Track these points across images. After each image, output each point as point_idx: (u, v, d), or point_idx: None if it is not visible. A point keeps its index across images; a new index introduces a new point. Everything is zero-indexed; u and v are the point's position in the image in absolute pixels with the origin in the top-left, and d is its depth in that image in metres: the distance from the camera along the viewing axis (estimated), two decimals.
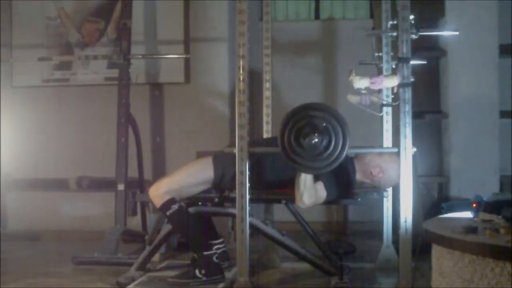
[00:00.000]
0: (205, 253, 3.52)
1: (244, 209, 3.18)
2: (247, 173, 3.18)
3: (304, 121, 3.15)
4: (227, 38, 5.28)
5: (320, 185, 3.38)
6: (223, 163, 3.50)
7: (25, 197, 5.40)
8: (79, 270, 4.05)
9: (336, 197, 3.48)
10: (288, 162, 3.19)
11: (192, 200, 3.60)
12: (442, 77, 5.30)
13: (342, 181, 3.47)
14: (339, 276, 3.43)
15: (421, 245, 2.81)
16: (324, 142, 3.13)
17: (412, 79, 3.13)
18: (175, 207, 3.50)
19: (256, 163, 3.44)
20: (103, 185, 5.08)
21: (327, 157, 3.14)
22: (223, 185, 3.56)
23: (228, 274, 3.61)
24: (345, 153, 3.15)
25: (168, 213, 3.51)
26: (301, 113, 3.18)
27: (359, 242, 4.66)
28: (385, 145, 3.95)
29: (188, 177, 3.59)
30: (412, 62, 3.17)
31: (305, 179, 3.31)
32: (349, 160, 3.56)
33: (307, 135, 3.12)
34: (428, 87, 5.25)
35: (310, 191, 3.33)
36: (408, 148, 3.10)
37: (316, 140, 3.11)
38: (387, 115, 3.92)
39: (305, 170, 3.25)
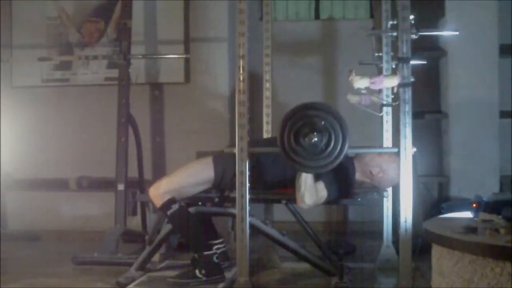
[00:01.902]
0: (205, 253, 3.52)
1: (244, 209, 3.18)
2: (247, 173, 3.18)
3: (303, 121, 3.14)
4: (227, 38, 5.28)
5: (321, 185, 3.38)
6: (224, 163, 3.50)
7: (25, 197, 5.40)
8: (79, 270, 4.05)
9: (337, 196, 3.48)
10: (288, 162, 3.19)
11: (192, 200, 3.60)
12: (442, 77, 5.30)
13: (342, 181, 3.47)
14: (339, 276, 3.44)
15: (421, 245, 2.81)
16: (324, 141, 3.12)
17: (412, 79, 3.12)
18: (175, 206, 3.50)
19: (256, 163, 3.44)
20: (103, 185, 5.08)
21: (327, 156, 3.14)
22: (223, 185, 3.56)
23: (228, 274, 3.61)
24: (345, 151, 3.14)
25: (168, 212, 3.51)
26: (300, 112, 3.17)
27: (359, 242, 4.66)
28: (385, 145, 3.95)
29: (189, 177, 3.59)
30: (412, 62, 3.17)
31: (306, 179, 3.31)
32: (349, 160, 3.56)
33: (307, 134, 3.12)
34: (428, 87, 5.25)
35: (311, 191, 3.33)
36: (408, 148, 3.10)
37: (316, 139, 3.10)
38: (387, 115, 3.92)
39: (305, 170, 3.25)
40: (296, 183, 3.34)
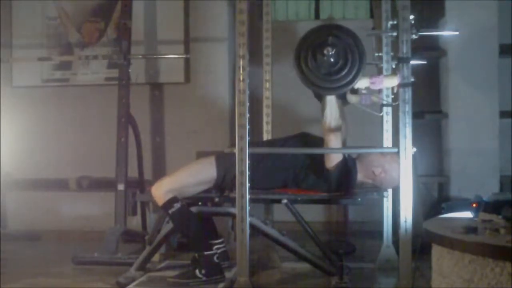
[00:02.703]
0: (205, 253, 3.52)
1: (244, 209, 3.18)
2: (247, 173, 3.18)
3: (324, 38, 3.15)
4: (227, 38, 5.28)
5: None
6: (226, 163, 3.50)
7: (25, 197, 5.40)
8: (79, 270, 4.05)
9: (341, 180, 3.48)
10: (301, 78, 3.19)
11: (192, 200, 3.60)
12: (442, 77, 5.30)
13: (345, 180, 3.48)
14: (339, 276, 3.44)
15: (421, 245, 2.81)
16: (341, 62, 3.13)
17: (412, 79, 3.12)
18: (177, 205, 3.50)
19: (256, 163, 3.44)
20: (103, 185, 5.08)
21: (343, 78, 3.14)
22: (224, 185, 3.56)
23: (228, 274, 3.61)
24: (357, 79, 3.14)
25: (170, 211, 3.51)
26: (323, 31, 3.19)
27: (359, 242, 4.65)
28: (385, 145, 3.95)
29: (190, 176, 3.59)
30: (412, 62, 3.17)
31: (331, 100, 3.32)
32: (352, 160, 3.57)
33: (325, 51, 3.11)
34: (428, 87, 5.25)
35: (336, 114, 3.34)
36: (408, 148, 3.10)
37: (332, 59, 3.10)
38: (387, 115, 3.92)
39: (316, 89, 3.25)
40: (321, 111, 3.35)
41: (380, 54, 4.06)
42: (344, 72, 3.14)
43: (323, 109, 3.36)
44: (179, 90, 5.36)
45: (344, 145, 3.55)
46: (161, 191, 3.54)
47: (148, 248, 3.78)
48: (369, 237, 4.82)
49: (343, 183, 3.49)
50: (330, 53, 3.09)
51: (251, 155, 3.21)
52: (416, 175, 4.23)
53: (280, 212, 3.81)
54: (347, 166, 3.49)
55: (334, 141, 3.36)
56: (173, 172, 3.70)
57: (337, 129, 3.36)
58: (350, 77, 3.14)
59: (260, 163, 3.50)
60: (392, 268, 3.80)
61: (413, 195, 3.12)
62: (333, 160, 3.41)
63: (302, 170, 3.53)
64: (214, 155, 3.61)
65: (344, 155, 3.47)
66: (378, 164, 3.55)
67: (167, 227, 3.69)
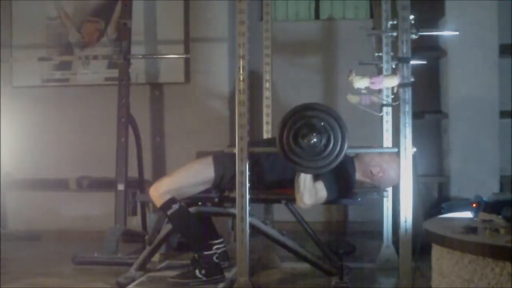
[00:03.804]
0: (205, 253, 3.52)
1: (244, 209, 3.18)
2: (247, 173, 3.18)
3: (302, 121, 3.14)
4: (227, 38, 5.28)
5: (320, 185, 3.38)
6: (224, 163, 3.50)
7: (25, 197, 5.40)
8: (79, 270, 4.05)
9: (337, 196, 3.48)
10: (287, 162, 3.18)
11: (192, 200, 3.60)
12: (442, 77, 5.30)
13: (342, 181, 3.47)
14: (339, 276, 3.44)
15: (421, 245, 2.81)
16: (323, 142, 3.12)
17: (412, 79, 3.12)
18: (175, 206, 3.50)
19: (256, 163, 3.44)
20: (103, 185, 5.08)
21: (326, 157, 3.14)
22: (223, 185, 3.56)
23: (228, 274, 3.61)
24: (344, 152, 3.14)
25: (168, 212, 3.51)
26: (299, 113, 3.17)
27: (359, 242, 4.66)
28: (385, 145, 3.95)
29: (189, 177, 3.59)
30: (412, 62, 3.17)
31: (305, 179, 3.31)
32: (349, 160, 3.56)
33: (306, 135, 3.11)
34: (428, 87, 5.25)
35: (310, 192, 3.33)
36: (408, 148, 3.10)
37: (315, 139, 3.10)
38: (387, 115, 3.92)
39: (304, 170, 3.24)
40: (295, 184, 3.34)
41: (380, 54, 4.06)
42: (328, 150, 3.13)
43: (296, 181, 3.33)
44: (179, 90, 5.36)
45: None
46: (159, 192, 3.53)
47: (148, 248, 3.78)
48: (369, 237, 4.82)
49: (342, 183, 3.48)
50: (312, 141, 3.09)
51: (251, 155, 3.21)
52: (416, 175, 4.23)
53: (280, 212, 3.81)
54: (346, 168, 3.48)
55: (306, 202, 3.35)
56: (171, 173, 3.70)
57: (311, 199, 3.35)
58: (335, 154, 3.13)
59: (259, 163, 3.50)
60: (392, 268, 3.80)
61: (413, 195, 3.12)
62: (305, 199, 3.35)
63: None
64: (212, 155, 3.61)
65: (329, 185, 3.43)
66: (376, 163, 3.55)
67: (167, 227, 3.69)
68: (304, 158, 3.15)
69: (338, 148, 3.13)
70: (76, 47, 5.48)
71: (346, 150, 3.16)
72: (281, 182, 3.55)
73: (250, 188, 3.20)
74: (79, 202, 5.32)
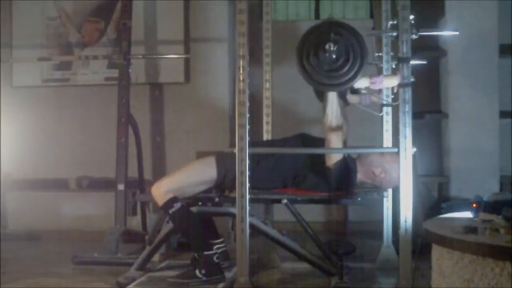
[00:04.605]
0: (205, 253, 3.52)
1: (244, 209, 3.18)
2: (247, 173, 3.18)
3: (326, 35, 3.16)
4: (227, 38, 5.28)
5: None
6: (226, 163, 3.50)
7: (25, 197, 5.40)
8: (79, 270, 4.05)
9: (340, 181, 3.48)
10: (303, 75, 3.21)
11: (192, 200, 3.60)
12: (442, 77, 5.30)
13: (343, 179, 3.48)
14: (339, 276, 3.44)
15: (421, 245, 2.81)
16: (341, 60, 3.14)
17: (412, 79, 3.12)
18: (177, 205, 3.50)
19: (257, 163, 3.44)
20: (103, 185, 5.09)
21: (342, 75, 3.16)
22: (224, 185, 3.56)
23: (228, 274, 3.61)
24: (360, 73, 3.16)
25: (170, 211, 3.51)
26: (324, 28, 3.21)
27: (359, 242, 4.65)
28: (385, 145, 3.95)
29: (190, 176, 3.59)
30: (412, 62, 3.17)
31: (332, 98, 3.32)
32: (351, 161, 3.57)
33: (326, 46, 3.13)
34: (428, 87, 5.25)
35: (337, 112, 3.34)
36: (408, 148, 3.10)
37: (334, 56, 3.12)
38: (387, 115, 3.92)
39: (317, 86, 3.26)
40: (323, 106, 3.36)
41: (380, 54, 4.06)
42: (345, 69, 3.15)
43: (324, 107, 3.36)
44: (179, 90, 5.36)
45: (345, 145, 3.55)
46: (161, 191, 3.54)
47: (148, 248, 3.78)
48: (369, 237, 4.82)
49: (343, 183, 3.49)
50: (332, 49, 3.10)
51: (251, 155, 3.21)
52: (416, 175, 4.23)
53: (280, 212, 3.81)
54: (347, 166, 3.49)
55: (335, 139, 3.36)
56: (173, 172, 3.70)
57: (338, 127, 3.36)
58: (352, 73, 3.16)
59: (260, 164, 3.50)
60: (392, 268, 3.80)
61: (413, 195, 3.12)
62: (334, 158, 3.41)
63: (302, 170, 3.53)
64: (214, 155, 3.61)
65: (344, 155, 3.47)
66: (378, 164, 3.55)
67: (167, 227, 3.69)
68: (322, 74, 3.19)
69: (356, 67, 3.16)
70: (76, 47, 5.47)
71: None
72: (282, 182, 3.56)
73: (250, 188, 3.20)
74: (79, 202, 5.32)
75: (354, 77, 3.16)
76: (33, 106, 5.44)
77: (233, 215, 3.33)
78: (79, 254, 4.21)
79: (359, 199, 3.55)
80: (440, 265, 2.44)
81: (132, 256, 4.09)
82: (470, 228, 2.39)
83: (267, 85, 4.28)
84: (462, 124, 5.04)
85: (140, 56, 5.13)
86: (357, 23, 5.54)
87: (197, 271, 3.51)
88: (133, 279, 3.62)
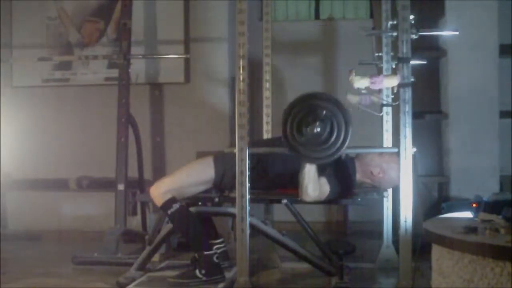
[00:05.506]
0: (205, 253, 3.52)
1: (244, 209, 3.18)
2: (247, 173, 3.18)
3: (306, 110, 3.14)
4: (227, 38, 5.28)
5: (323, 180, 3.38)
6: (224, 163, 3.50)
7: (25, 197, 5.40)
8: (79, 270, 4.05)
9: (338, 194, 3.47)
10: (291, 152, 3.18)
11: (192, 200, 3.60)
12: (442, 77, 5.30)
13: (343, 180, 3.47)
14: (339, 276, 3.44)
15: (421, 245, 2.81)
16: (327, 131, 3.12)
17: (412, 79, 3.13)
18: (176, 206, 3.50)
19: (256, 163, 3.44)
20: (103, 185, 5.09)
21: (330, 147, 3.14)
22: (223, 185, 3.56)
23: (228, 274, 3.61)
24: (347, 142, 3.13)
25: (169, 212, 3.51)
26: (303, 102, 3.17)
27: (359, 242, 4.65)
28: (385, 145, 3.95)
29: (189, 176, 3.59)
30: (412, 62, 3.17)
31: (309, 171, 3.30)
32: (350, 160, 3.56)
33: (309, 124, 3.11)
34: (428, 87, 5.25)
35: (314, 184, 3.32)
36: (408, 148, 3.10)
37: (319, 129, 3.10)
38: (387, 115, 3.92)
39: (308, 160, 3.24)
40: (299, 176, 3.33)
41: (380, 54, 4.07)
42: (332, 140, 3.13)
43: (300, 177, 3.33)
44: (179, 90, 5.36)
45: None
46: (160, 191, 3.54)
47: (148, 248, 3.78)
48: (369, 237, 4.82)
49: (343, 183, 3.48)
50: (315, 130, 3.09)
51: (251, 155, 3.21)
52: (416, 175, 4.23)
53: (280, 212, 3.81)
54: (346, 169, 3.48)
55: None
56: (172, 172, 3.70)
57: (314, 195, 3.35)
58: (339, 143, 3.13)
59: (259, 163, 3.50)
60: (392, 268, 3.80)
61: (413, 195, 3.12)
62: (310, 192, 3.35)
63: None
64: (212, 155, 3.61)
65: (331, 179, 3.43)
66: (376, 164, 3.55)
67: (167, 227, 3.69)
68: (308, 148, 3.15)
69: (342, 137, 3.13)
70: (76, 47, 5.47)
71: (346, 149, 3.15)
72: (282, 182, 3.56)
73: (250, 188, 3.20)
74: (79, 202, 5.32)
75: (341, 147, 3.14)
76: (33, 106, 5.44)
77: (233, 215, 3.33)
78: (79, 254, 4.21)
79: (359, 199, 3.55)
80: (440, 265, 2.44)
81: (132, 256, 4.09)
82: (470, 228, 2.39)
83: (267, 85, 4.29)
84: (462, 124, 5.04)
85: (140, 56, 5.13)
86: (357, 23, 5.61)
87: (197, 271, 3.51)
88: (133, 279, 3.62)
